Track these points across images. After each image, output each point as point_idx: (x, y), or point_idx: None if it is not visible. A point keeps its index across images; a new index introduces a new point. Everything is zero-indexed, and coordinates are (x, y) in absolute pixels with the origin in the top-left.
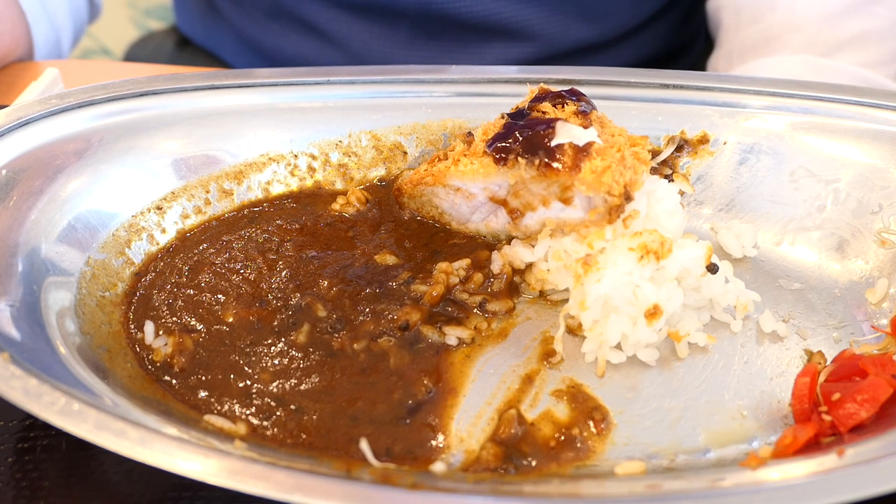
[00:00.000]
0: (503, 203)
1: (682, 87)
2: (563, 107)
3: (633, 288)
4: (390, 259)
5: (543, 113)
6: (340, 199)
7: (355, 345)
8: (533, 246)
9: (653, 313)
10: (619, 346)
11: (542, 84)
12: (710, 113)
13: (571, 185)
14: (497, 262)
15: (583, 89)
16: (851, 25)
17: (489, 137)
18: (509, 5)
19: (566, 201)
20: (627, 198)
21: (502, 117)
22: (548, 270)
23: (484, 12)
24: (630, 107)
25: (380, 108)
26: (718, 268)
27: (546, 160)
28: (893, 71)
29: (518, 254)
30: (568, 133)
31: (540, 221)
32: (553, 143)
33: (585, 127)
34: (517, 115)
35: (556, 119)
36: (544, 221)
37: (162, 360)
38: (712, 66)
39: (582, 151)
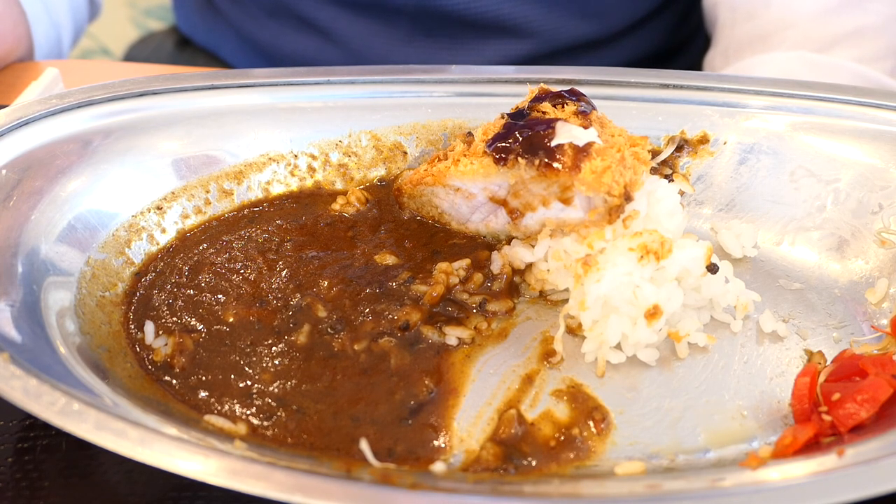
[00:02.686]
0: (503, 203)
1: (682, 87)
2: (562, 107)
3: (632, 288)
4: (390, 259)
5: (543, 113)
6: (340, 199)
7: (356, 345)
8: (533, 246)
9: (653, 313)
10: (619, 347)
11: (542, 84)
12: (710, 113)
13: (571, 185)
14: (497, 263)
15: (583, 89)
16: (846, 21)
17: (489, 137)
18: (507, 2)
19: (566, 201)
20: (627, 198)
21: (502, 117)
22: (548, 270)
23: (482, 9)
24: (630, 107)
25: (380, 108)
26: (718, 268)
27: (546, 160)
28: (889, 66)
29: (518, 254)
30: (568, 133)
31: (540, 221)
32: (553, 144)
33: (585, 127)
34: (517, 115)
35: (556, 119)
36: (544, 222)
37: (162, 360)
38: (708, 63)
39: (582, 152)
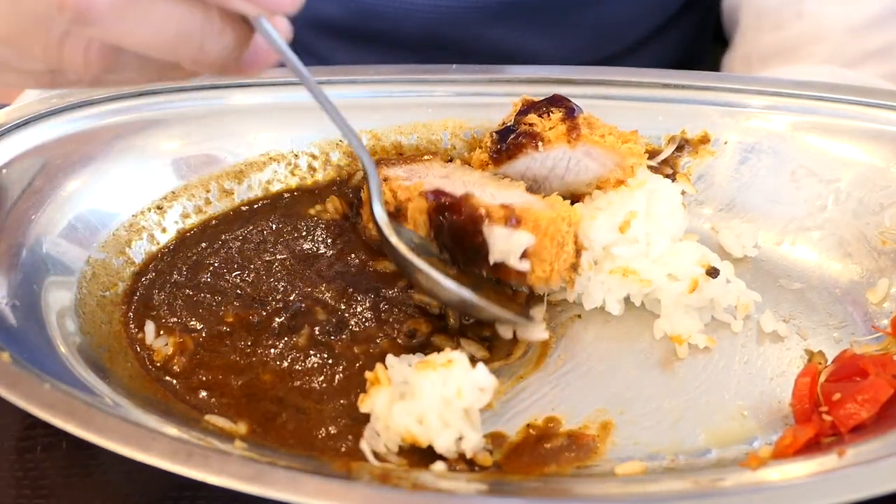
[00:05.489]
0: None
1: (682, 86)
2: (549, 115)
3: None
4: (390, 267)
5: (531, 125)
6: (318, 206)
7: (355, 348)
8: None
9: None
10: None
11: (524, 96)
12: (710, 112)
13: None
14: None
15: (582, 89)
16: (878, 37)
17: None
18: (518, 33)
19: None
20: (574, 269)
21: (491, 136)
22: None
23: (491, 41)
24: (630, 107)
25: (380, 108)
26: (719, 271)
27: (495, 276)
28: None
29: None
30: (501, 244)
31: None
32: (491, 262)
33: (570, 142)
34: (505, 133)
35: (484, 217)
36: None
37: (163, 360)
38: (726, 66)
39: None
